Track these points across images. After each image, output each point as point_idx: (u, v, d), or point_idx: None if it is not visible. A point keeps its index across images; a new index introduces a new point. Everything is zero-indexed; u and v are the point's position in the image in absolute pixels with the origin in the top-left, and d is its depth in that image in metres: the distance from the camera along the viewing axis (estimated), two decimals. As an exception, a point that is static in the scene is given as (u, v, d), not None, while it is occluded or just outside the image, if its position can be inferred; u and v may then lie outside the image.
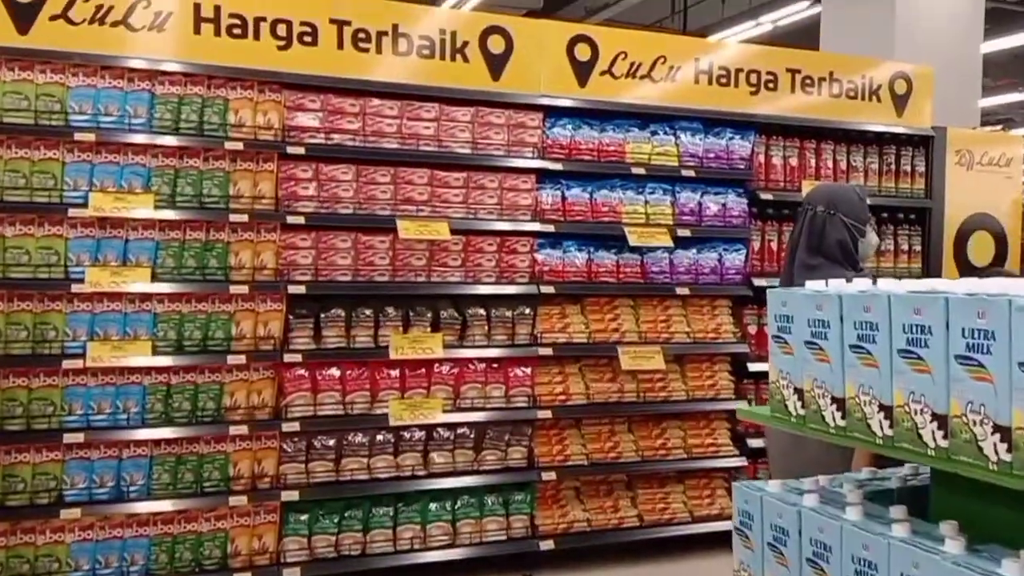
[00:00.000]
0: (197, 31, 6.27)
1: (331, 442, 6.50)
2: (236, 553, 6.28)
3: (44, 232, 6.02)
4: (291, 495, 6.33)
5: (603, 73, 7.22)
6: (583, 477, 7.17)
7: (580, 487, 7.21)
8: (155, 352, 6.14)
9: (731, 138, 7.57)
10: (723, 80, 7.60)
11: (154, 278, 6.16)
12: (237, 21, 6.35)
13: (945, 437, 2.23)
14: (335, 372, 6.55)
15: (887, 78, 8.23)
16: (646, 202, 7.33)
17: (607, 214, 7.19)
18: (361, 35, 6.60)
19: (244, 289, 6.30)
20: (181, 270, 6.24)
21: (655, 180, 7.39)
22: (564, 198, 7.12)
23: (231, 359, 6.27)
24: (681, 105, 7.46)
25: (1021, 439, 2.02)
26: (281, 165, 6.47)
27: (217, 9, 6.31)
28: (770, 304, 2.94)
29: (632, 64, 7.29)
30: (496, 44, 6.93)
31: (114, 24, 6.09)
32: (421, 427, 6.71)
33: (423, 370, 6.74)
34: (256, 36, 6.38)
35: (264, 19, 6.40)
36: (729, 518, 7.35)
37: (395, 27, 6.68)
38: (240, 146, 6.32)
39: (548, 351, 6.97)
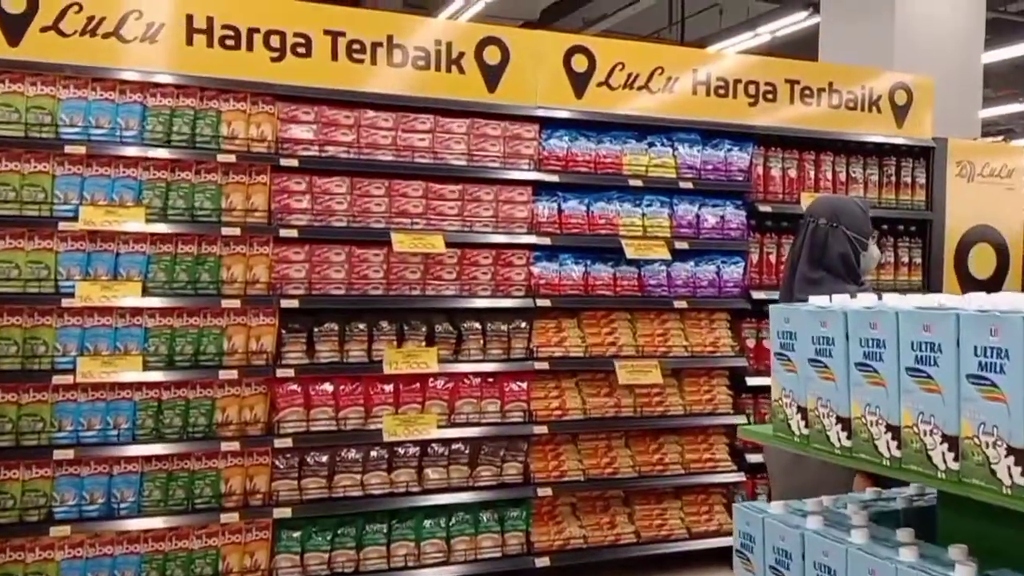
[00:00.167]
0: (190, 42, 6.21)
1: (324, 458, 6.43)
2: (228, 571, 6.20)
3: (34, 246, 5.95)
4: (283, 512, 6.25)
5: (600, 84, 7.16)
6: (579, 493, 7.10)
7: (576, 503, 7.14)
8: (146, 367, 6.06)
9: (729, 149, 7.50)
10: (721, 91, 7.54)
11: (145, 292, 6.08)
12: (230, 32, 6.29)
13: (956, 459, 2.15)
14: (328, 387, 6.47)
15: (887, 89, 8.17)
16: (643, 214, 7.26)
17: (604, 227, 7.12)
18: (355, 46, 6.54)
19: (236, 303, 6.23)
20: (172, 284, 6.17)
21: (652, 192, 7.33)
22: (561, 210, 7.06)
23: (223, 374, 6.19)
24: (679, 116, 7.40)
25: (1035, 462, 1.95)
26: (274, 178, 6.40)
27: (210, 20, 6.25)
28: (772, 320, 2.86)
29: (629, 75, 7.24)
30: (492, 55, 6.87)
31: (105, 36, 6.03)
32: (415, 443, 6.64)
33: (417, 385, 6.66)
34: (249, 47, 6.33)
35: (257, 30, 6.34)
36: (727, 535, 7.37)
37: (390, 38, 6.61)
38: (233, 159, 6.25)
39: (544, 365, 6.89)
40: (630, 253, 7.05)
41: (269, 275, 6.35)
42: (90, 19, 6.00)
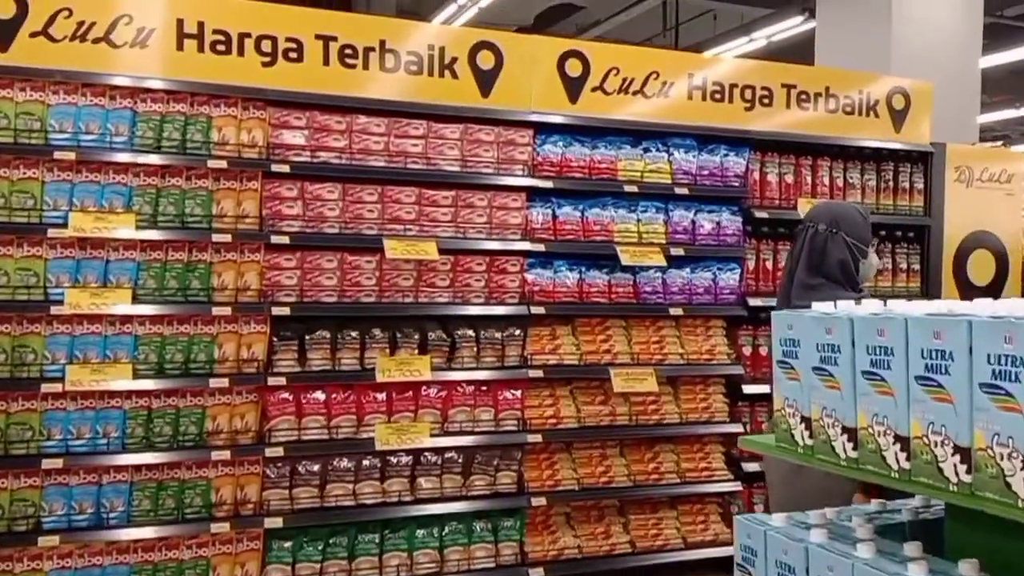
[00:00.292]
0: (180, 47, 6.14)
1: (316, 467, 6.35)
2: (218, 582, 6.14)
3: (23, 253, 5.88)
4: (274, 522, 6.18)
5: (595, 89, 7.10)
6: (574, 502, 7.03)
7: (571, 513, 7.07)
8: (136, 375, 5.98)
9: (725, 155, 7.44)
10: (717, 96, 7.48)
11: (135, 299, 6.01)
12: (221, 37, 6.22)
13: (969, 472, 2.08)
14: (320, 395, 6.40)
15: (885, 93, 8.11)
16: (638, 220, 7.20)
17: (599, 233, 7.06)
18: (348, 51, 6.48)
19: (227, 311, 6.17)
20: (163, 291, 6.11)
21: (648, 198, 7.27)
22: (555, 216, 7.00)
23: (213, 382, 6.11)
24: (674, 121, 7.34)
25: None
26: (265, 184, 6.34)
27: (201, 25, 6.18)
28: (775, 327, 2.79)
29: (624, 80, 7.18)
30: (486, 60, 6.81)
31: (95, 41, 5.96)
32: (408, 452, 6.56)
33: (410, 393, 6.59)
34: (240, 52, 6.26)
35: (249, 35, 6.27)
36: (723, 544, 7.31)
37: (382, 43, 6.56)
38: (223, 164, 6.19)
39: (538, 373, 6.83)
40: (625, 260, 6.99)
41: (260, 282, 6.29)
42: (80, 24, 5.93)
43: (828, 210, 4.89)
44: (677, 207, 7.34)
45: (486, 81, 6.82)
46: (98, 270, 6.02)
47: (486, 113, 6.82)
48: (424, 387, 6.63)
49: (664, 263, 7.12)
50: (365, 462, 6.48)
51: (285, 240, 6.29)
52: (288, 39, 6.35)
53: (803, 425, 2.67)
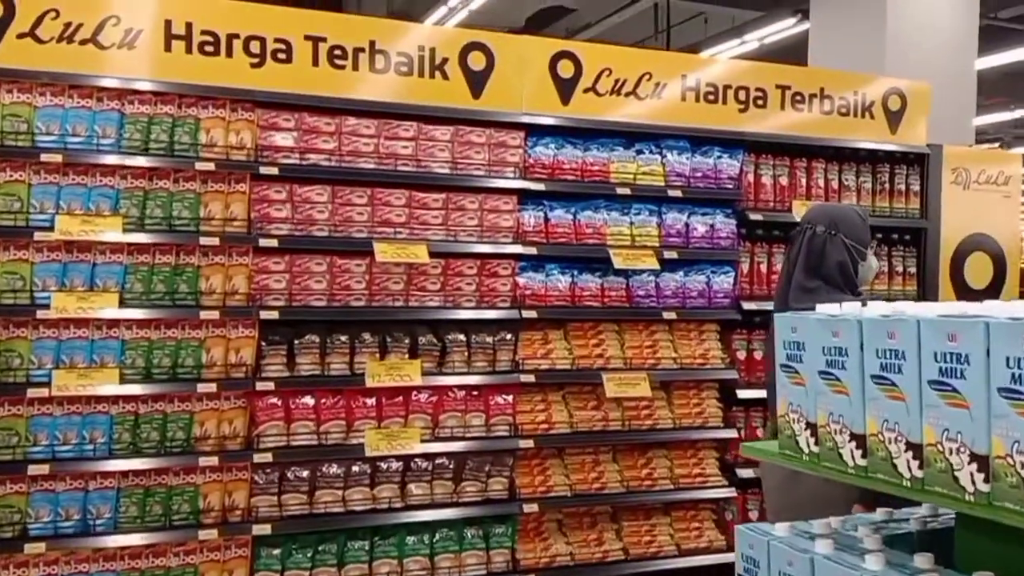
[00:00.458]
0: (168, 48, 6.10)
1: (305, 473, 6.30)
2: (206, 589, 6.09)
3: (9, 256, 5.84)
4: (263, 529, 6.13)
5: (587, 90, 7.04)
6: (566, 509, 6.97)
7: (563, 519, 7.01)
8: (123, 380, 5.94)
9: (719, 157, 7.37)
10: (711, 97, 7.42)
11: (122, 303, 5.97)
12: (209, 38, 6.18)
13: (986, 480, 1.99)
14: (309, 400, 6.34)
15: (880, 94, 8.05)
16: (631, 223, 7.14)
17: (591, 236, 7.00)
18: (337, 52, 6.43)
19: (215, 315, 6.11)
20: (150, 295, 6.05)
21: (641, 200, 7.21)
22: (547, 219, 6.94)
23: (201, 387, 6.06)
24: (667, 123, 7.28)
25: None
26: (254, 186, 6.29)
27: (189, 26, 6.14)
28: (778, 330, 2.71)
29: (617, 81, 7.12)
30: (476, 61, 6.75)
31: (83, 42, 5.92)
32: (398, 458, 6.50)
33: (400, 398, 6.53)
34: (229, 53, 6.21)
35: (237, 36, 6.22)
36: (718, 551, 7.26)
37: (372, 44, 6.50)
38: (211, 167, 6.14)
39: (530, 378, 6.76)
40: (618, 263, 6.93)
41: (248, 286, 6.23)
42: (67, 25, 5.89)
43: (826, 211, 4.84)
44: (670, 209, 7.28)
45: (477, 82, 6.76)
46: (85, 274, 5.98)
47: (477, 115, 6.76)
48: (415, 392, 6.57)
49: (657, 266, 7.06)
50: (355, 468, 6.43)
51: (274, 243, 6.24)
52: (277, 40, 6.30)
53: (808, 431, 2.58)
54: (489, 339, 6.76)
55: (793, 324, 2.64)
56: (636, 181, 7.13)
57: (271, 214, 6.28)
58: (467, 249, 6.70)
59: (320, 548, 6.30)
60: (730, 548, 7.10)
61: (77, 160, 5.93)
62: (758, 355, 7.35)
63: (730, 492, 7.24)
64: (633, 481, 7.03)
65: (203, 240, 6.11)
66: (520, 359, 6.81)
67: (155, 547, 6.02)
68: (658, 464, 7.14)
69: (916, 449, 2.19)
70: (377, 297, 6.50)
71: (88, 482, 5.93)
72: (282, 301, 6.28)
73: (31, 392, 5.78)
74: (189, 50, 6.14)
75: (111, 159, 5.98)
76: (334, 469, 6.37)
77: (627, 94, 7.16)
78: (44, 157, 5.84)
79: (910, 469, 2.21)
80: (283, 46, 6.31)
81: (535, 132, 6.96)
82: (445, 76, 6.68)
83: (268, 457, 6.15)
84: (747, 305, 7.33)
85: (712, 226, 7.33)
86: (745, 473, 7.18)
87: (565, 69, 6.99)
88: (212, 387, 6.08)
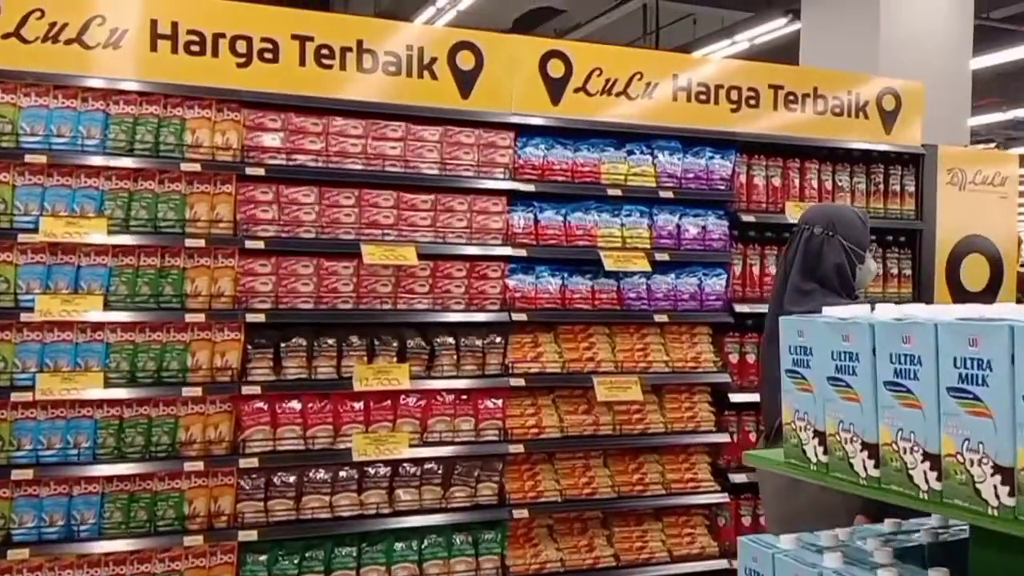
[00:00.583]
0: (154, 48, 6.05)
1: (291, 479, 6.24)
2: (191, 596, 6.02)
3: (-7, 258, 5.79)
4: (249, 535, 6.07)
5: (577, 90, 6.98)
6: (556, 514, 6.91)
7: (553, 525, 6.94)
8: (107, 384, 5.88)
9: (711, 157, 7.30)
10: (702, 97, 7.36)
11: (107, 306, 5.91)
12: (195, 38, 6.13)
13: (1011, 494, 1.90)
14: (296, 405, 6.29)
15: (875, 94, 7.98)
16: (622, 225, 7.07)
17: (581, 237, 6.94)
18: (324, 51, 6.37)
19: (200, 317, 6.05)
20: (135, 298, 6.00)
21: (632, 202, 7.14)
22: (537, 221, 6.87)
23: (186, 391, 6.00)
24: (659, 123, 7.21)
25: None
26: (240, 187, 6.23)
27: (175, 26, 6.09)
28: (784, 333, 2.61)
29: (607, 81, 7.05)
30: (465, 60, 6.70)
31: (68, 42, 5.88)
32: (386, 462, 6.44)
33: (388, 402, 6.47)
34: (215, 53, 6.16)
35: (223, 35, 6.17)
36: (710, 558, 7.19)
37: (360, 43, 6.44)
38: (197, 167, 6.08)
39: (520, 382, 6.69)
40: (609, 265, 6.86)
41: (234, 288, 6.17)
42: (52, 25, 5.84)
43: (824, 212, 4.77)
44: (662, 211, 7.21)
45: (466, 82, 6.70)
46: (69, 276, 5.92)
47: (466, 115, 6.70)
48: (403, 396, 6.51)
49: (648, 268, 6.99)
50: (342, 473, 6.37)
51: (260, 245, 6.18)
52: (263, 39, 6.25)
53: (816, 440, 2.48)
54: (478, 342, 6.69)
55: (800, 328, 2.55)
56: (627, 182, 7.06)
57: (257, 215, 6.22)
58: (456, 251, 6.64)
59: (307, 554, 6.24)
60: (723, 554, 7.07)
61: (62, 161, 5.88)
62: (751, 358, 7.29)
63: (723, 497, 7.17)
64: (624, 486, 6.96)
65: (188, 242, 6.05)
66: (510, 362, 6.75)
67: (140, 553, 5.96)
68: (649, 469, 7.07)
69: (934, 460, 2.10)
70: (365, 300, 6.44)
71: (72, 487, 5.87)
72: (268, 304, 6.23)
73: (15, 396, 5.72)
74: (175, 50, 6.09)
75: (96, 160, 5.93)
76: (321, 474, 6.31)
77: (618, 94, 7.09)
78: (28, 158, 5.79)
79: (927, 481, 2.12)
80: (270, 46, 6.26)
81: (525, 132, 6.90)
82: (434, 76, 6.62)
83: (254, 462, 6.09)
84: (739, 308, 7.26)
85: (704, 227, 7.26)
86: (738, 478, 7.10)
87: (555, 69, 6.93)
88: (197, 391, 6.03)
